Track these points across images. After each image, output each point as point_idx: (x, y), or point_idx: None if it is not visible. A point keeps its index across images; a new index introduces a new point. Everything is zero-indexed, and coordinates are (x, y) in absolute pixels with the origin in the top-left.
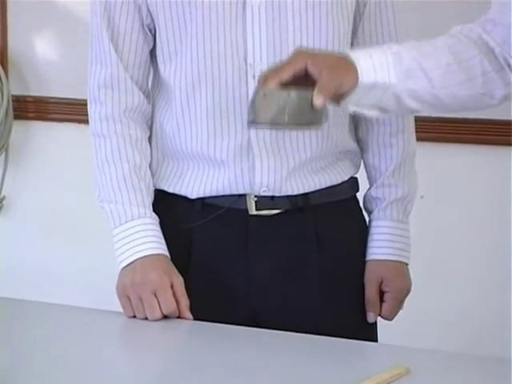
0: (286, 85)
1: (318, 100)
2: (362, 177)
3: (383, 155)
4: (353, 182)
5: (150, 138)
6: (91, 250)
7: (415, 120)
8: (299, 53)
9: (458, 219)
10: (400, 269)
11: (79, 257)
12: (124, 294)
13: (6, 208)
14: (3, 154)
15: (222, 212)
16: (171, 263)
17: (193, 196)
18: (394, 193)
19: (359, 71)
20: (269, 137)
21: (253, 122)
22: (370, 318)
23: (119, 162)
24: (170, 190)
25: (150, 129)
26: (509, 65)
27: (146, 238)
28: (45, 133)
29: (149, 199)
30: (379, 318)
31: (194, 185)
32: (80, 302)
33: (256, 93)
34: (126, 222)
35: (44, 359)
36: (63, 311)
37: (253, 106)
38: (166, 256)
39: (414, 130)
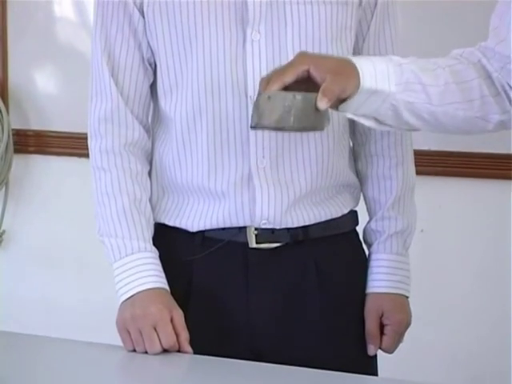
0: (287, 88)
1: (322, 103)
2: (361, 210)
3: (383, 188)
4: (352, 215)
5: (149, 172)
6: (91, 283)
7: (415, 154)
8: (302, 56)
9: (457, 253)
10: (400, 301)
11: (79, 290)
12: (124, 328)
13: (7, 242)
14: (3, 188)
15: (222, 245)
16: (171, 297)
17: (193, 229)
18: (394, 226)
19: (361, 76)
20: (269, 169)
21: (256, 124)
22: (371, 350)
23: (119, 196)
24: (171, 224)
25: (150, 163)
26: (505, 91)
27: (145, 272)
28: (45, 166)
29: (149, 233)
30: (379, 351)
31: (194, 218)
32: (80, 335)
33: (259, 95)
34: (126, 255)
35: None
36: (63, 345)
37: (256, 108)
38: (166, 290)
39: (413, 163)
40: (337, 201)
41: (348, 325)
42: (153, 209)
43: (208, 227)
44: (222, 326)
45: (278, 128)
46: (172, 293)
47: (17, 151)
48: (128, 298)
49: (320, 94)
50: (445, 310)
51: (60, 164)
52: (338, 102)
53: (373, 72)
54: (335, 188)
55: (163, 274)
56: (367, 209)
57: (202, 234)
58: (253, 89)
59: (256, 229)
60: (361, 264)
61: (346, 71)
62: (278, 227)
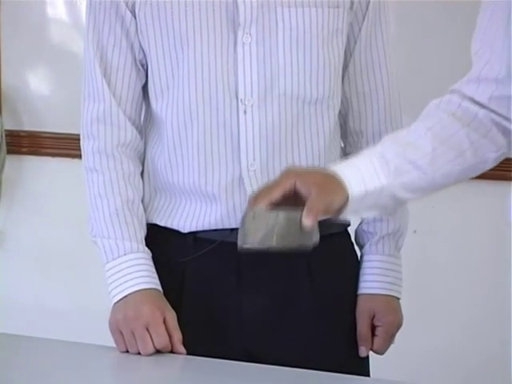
0: (276, 204)
1: (307, 222)
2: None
3: None
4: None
5: (142, 173)
6: (84, 284)
7: None
8: (288, 172)
9: (450, 254)
10: (392, 303)
11: (72, 291)
12: (117, 329)
13: (0, 243)
14: None
15: (214, 246)
16: (164, 297)
17: (185, 230)
18: (386, 227)
19: (348, 187)
20: (260, 172)
21: (242, 244)
22: (362, 352)
23: (112, 197)
24: (162, 224)
25: (142, 163)
26: (497, 124)
27: (138, 273)
28: (38, 167)
29: (141, 234)
30: (371, 352)
31: (186, 219)
32: (72, 336)
33: (245, 214)
34: (119, 256)
35: None
36: (55, 346)
37: (242, 227)
38: (159, 290)
39: None
40: None
41: (339, 326)
42: (145, 209)
43: (200, 228)
44: (215, 326)
45: (262, 247)
46: (164, 293)
47: (10, 152)
48: (121, 299)
49: (305, 213)
50: (437, 311)
51: (53, 165)
52: (336, 212)
53: (359, 177)
54: None
55: (156, 275)
56: None
57: (193, 234)
58: (243, 92)
59: None
60: (352, 265)
61: (332, 185)
62: None
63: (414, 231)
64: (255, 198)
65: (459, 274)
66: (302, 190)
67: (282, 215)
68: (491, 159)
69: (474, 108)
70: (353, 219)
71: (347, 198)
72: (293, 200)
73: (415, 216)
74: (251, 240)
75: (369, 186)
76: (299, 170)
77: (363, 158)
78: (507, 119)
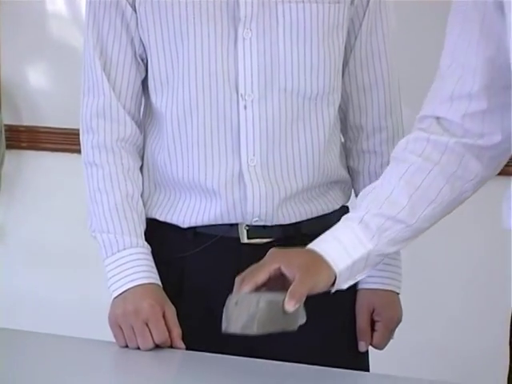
0: (263, 285)
1: (289, 306)
2: (353, 205)
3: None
4: (344, 211)
5: (141, 168)
6: (83, 279)
7: None
8: (273, 254)
9: (450, 249)
10: (391, 298)
11: (71, 286)
12: (116, 324)
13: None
14: None
15: (213, 241)
16: (163, 292)
17: (184, 225)
18: None
19: (333, 265)
20: (260, 167)
21: (225, 329)
22: (361, 347)
23: (111, 191)
24: (162, 219)
25: (142, 158)
26: (469, 147)
27: (137, 268)
28: (37, 162)
29: (141, 228)
30: (370, 348)
31: (185, 214)
32: (72, 331)
33: (230, 299)
34: (118, 251)
35: None
36: (55, 341)
37: (225, 313)
38: (158, 285)
39: None
40: (328, 197)
41: (339, 321)
42: (144, 204)
43: (199, 223)
44: (214, 321)
45: (245, 333)
46: (164, 288)
47: (9, 147)
48: (120, 294)
49: (287, 297)
50: (436, 306)
51: (52, 160)
52: (326, 288)
53: (342, 250)
54: (327, 184)
55: (155, 270)
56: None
57: (193, 229)
58: (244, 87)
59: (248, 225)
60: None
61: (316, 267)
62: (269, 224)
63: None
64: (241, 281)
65: (457, 269)
66: (287, 273)
67: (263, 302)
68: (470, 189)
69: (444, 139)
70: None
71: (334, 275)
72: (281, 281)
73: None
74: (233, 327)
75: (354, 255)
76: (284, 253)
77: (344, 229)
78: (480, 136)
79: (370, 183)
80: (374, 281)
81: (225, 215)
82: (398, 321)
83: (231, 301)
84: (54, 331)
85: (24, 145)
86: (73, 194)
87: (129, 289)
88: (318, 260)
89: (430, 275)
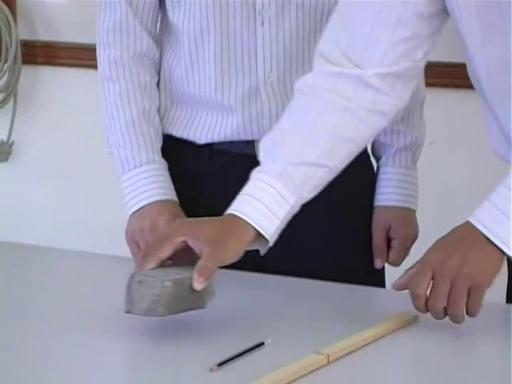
0: (169, 259)
1: (198, 284)
2: None
3: None
4: None
5: (158, 83)
6: (100, 196)
7: (426, 66)
8: (178, 227)
9: (467, 165)
10: (407, 215)
11: (87, 203)
12: (133, 240)
13: (15, 153)
14: (12, 100)
15: (230, 158)
16: (180, 209)
17: (201, 141)
18: (403, 139)
19: (262, 231)
20: (276, 82)
21: (128, 311)
22: (377, 264)
23: (128, 107)
24: (178, 135)
25: (158, 74)
26: (384, 75)
27: (154, 184)
28: (53, 78)
29: (158, 145)
30: (386, 265)
31: (202, 130)
32: (87, 247)
33: (132, 278)
34: (135, 167)
35: (50, 301)
36: (71, 256)
37: (128, 293)
38: (175, 201)
39: (423, 77)
40: None
41: (355, 238)
42: (160, 120)
43: (216, 140)
44: None
45: (150, 316)
46: (180, 205)
47: (25, 62)
48: (137, 210)
49: (195, 275)
50: (452, 222)
51: (68, 75)
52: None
53: (268, 212)
54: None
55: (172, 186)
56: None
57: (209, 146)
58: (261, 2)
59: None
60: (368, 177)
61: (224, 237)
62: None
63: (431, 143)
64: (144, 257)
65: (475, 185)
66: (193, 246)
67: (168, 282)
68: (384, 122)
69: (356, 72)
70: None
71: (253, 235)
72: (189, 252)
73: (432, 127)
74: (137, 309)
75: (280, 214)
76: (190, 224)
77: (263, 187)
78: (394, 64)
79: None
80: (390, 198)
81: (241, 131)
82: (415, 238)
83: (134, 279)
84: (69, 247)
85: (40, 60)
86: (90, 110)
87: (146, 205)
88: (228, 229)
89: (448, 190)
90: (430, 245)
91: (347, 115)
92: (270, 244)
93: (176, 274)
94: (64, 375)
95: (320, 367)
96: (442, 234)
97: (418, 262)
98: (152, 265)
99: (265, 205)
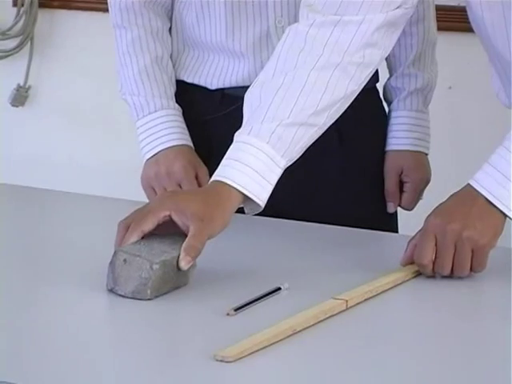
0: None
1: (185, 263)
2: (381, 67)
3: (403, 44)
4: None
5: (169, 29)
6: (116, 140)
7: (445, 10)
8: (163, 200)
9: (484, 110)
10: (420, 159)
11: (105, 147)
12: (149, 186)
13: (32, 97)
14: (28, 44)
15: (241, 103)
16: (195, 154)
17: (212, 87)
18: (414, 82)
19: (255, 199)
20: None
21: (112, 290)
22: (390, 208)
23: (140, 53)
24: (189, 81)
25: (170, 19)
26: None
27: (169, 130)
28: (70, 22)
29: (171, 90)
30: (399, 209)
31: (213, 75)
32: (105, 192)
33: (115, 254)
34: (149, 113)
35: (65, 246)
36: (89, 201)
37: (111, 271)
38: (190, 147)
39: (435, 19)
40: None
41: (367, 182)
42: (173, 65)
43: (227, 85)
44: None
45: (135, 297)
46: None
47: (41, 6)
48: (152, 156)
49: (182, 254)
50: (466, 165)
51: (85, 19)
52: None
53: (259, 178)
54: None
55: (187, 131)
56: (387, 66)
57: (221, 91)
58: None
59: None
60: (381, 121)
61: (212, 212)
62: None
63: (449, 87)
64: (125, 227)
65: (492, 128)
66: (178, 222)
67: (156, 265)
68: (369, 77)
69: (355, 18)
70: (381, 75)
71: (240, 201)
72: (171, 224)
73: (451, 72)
74: (122, 290)
75: (272, 179)
76: (175, 198)
77: (252, 151)
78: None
79: (399, 43)
80: (402, 142)
81: (252, 77)
82: (427, 181)
83: (118, 257)
84: (86, 192)
85: (56, 4)
86: (106, 54)
87: (161, 151)
88: (215, 201)
89: (465, 134)
90: (443, 187)
91: (338, 72)
92: (262, 208)
93: (162, 252)
94: (68, 320)
95: (338, 313)
96: (453, 177)
97: (419, 231)
98: (135, 238)
99: (256, 171)
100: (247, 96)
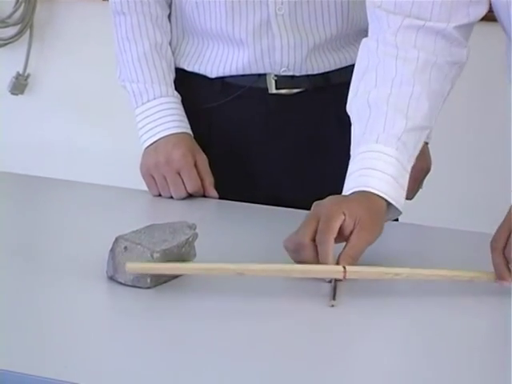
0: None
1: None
2: None
3: None
4: None
5: (169, 16)
6: (115, 128)
7: None
8: (334, 203)
9: (484, 100)
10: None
11: (104, 135)
12: (148, 174)
13: (31, 85)
14: (28, 31)
15: (241, 91)
16: (194, 141)
17: (212, 75)
18: None
19: (397, 206)
20: (288, 15)
21: (112, 277)
22: None
23: (140, 40)
24: (189, 69)
25: (170, 6)
26: (455, 28)
27: (168, 117)
28: (69, 10)
29: (171, 77)
30: None
31: (213, 63)
32: (104, 180)
33: (116, 242)
34: (149, 101)
35: (63, 233)
36: (89, 189)
37: (113, 257)
38: (190, 134)
39: None
40: (357, 46)
41: None
42: (172, 53)
43: (227, 73)
44: (242, 171)
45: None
46: None
47: None
48: (151, 144)
49: (343, 263)
50: (466, 155)
51: (84, 7)
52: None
53: (397, 186)
54: (356, 33)
55: (186, 119)
56: None
57: (221, 80)
58: None
59: (276, 75)
60: None
61: (373, 221)
62: (298, 74)
63: None
64: (312, 247)
65: (493, 120)
66: (347, 226)
67: (157, 253)
68: (459, 73)
69: (438, 25)
70: None
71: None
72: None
73: None
74: (122, 277)
75: (405, 184)
76: (347, 202)
77: (385, 158)
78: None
79: None
80: None
81: (253, 65)
82: (427, 171)
83: (119, 244)
84: (86, 180)
85: None
86: (105, 42)
87: (160, 138)
88: (375, 210)
89: (462, 124)
90: (443, 177)
91: (436, 71)
92: (401, 214)
93: (163, 241)
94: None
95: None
96: (454, 167)
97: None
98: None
99: (394, 178)
100: (350, 106)
